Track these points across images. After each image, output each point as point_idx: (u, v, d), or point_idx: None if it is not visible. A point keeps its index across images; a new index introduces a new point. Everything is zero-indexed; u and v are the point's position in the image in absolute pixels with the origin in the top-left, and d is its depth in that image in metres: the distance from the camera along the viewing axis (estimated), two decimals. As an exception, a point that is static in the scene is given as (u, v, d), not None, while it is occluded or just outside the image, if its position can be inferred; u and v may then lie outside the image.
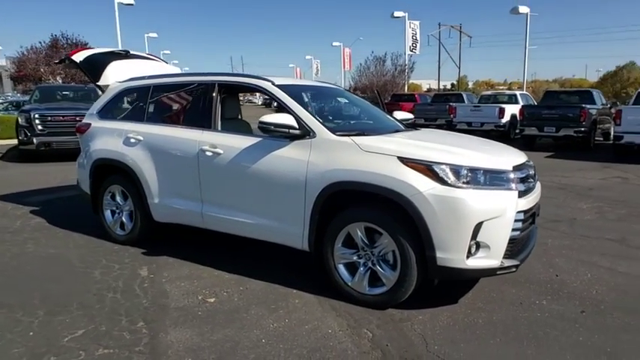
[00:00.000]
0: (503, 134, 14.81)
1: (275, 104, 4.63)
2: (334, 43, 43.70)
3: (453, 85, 51.73)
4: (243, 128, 4.51)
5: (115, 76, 4.99)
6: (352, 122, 4.72)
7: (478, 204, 2.87)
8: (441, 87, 46.02)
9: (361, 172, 3.10)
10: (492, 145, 3.72)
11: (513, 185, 3.02)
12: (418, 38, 30.06)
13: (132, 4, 23.63)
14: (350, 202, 3.26)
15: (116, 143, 4.49)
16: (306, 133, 3.40)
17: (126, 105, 4.92)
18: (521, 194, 3.06)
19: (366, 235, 3.18)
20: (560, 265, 3.98)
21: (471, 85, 68.19)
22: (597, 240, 4.73)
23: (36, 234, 4.99)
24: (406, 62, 30.19)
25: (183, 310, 3.21)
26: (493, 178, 2.99)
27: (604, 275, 3.76)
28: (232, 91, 4.46)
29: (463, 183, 2.91)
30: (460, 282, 3.50)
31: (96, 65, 5.04)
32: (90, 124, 4.88)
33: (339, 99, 4.58)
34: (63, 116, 10.25)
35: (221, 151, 3.75)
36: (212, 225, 3.98)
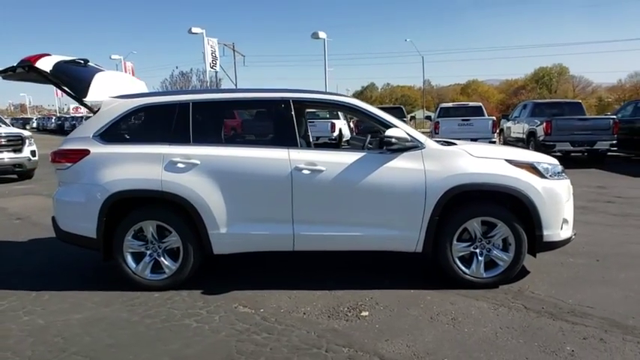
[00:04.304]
0: (336, 146, 16.75)
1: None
2: (113, 56, 39.98)
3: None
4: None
5: (105, 91, 4.15)
6: None
7: (563, 190, 3.85)
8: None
9: (482, 174, 3.70)
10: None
11: (565, 175, 4.12)
12: (217, 55, 30.41)
13: None
14: (463, 202, 3.80)
15: (152, 170, 3.80)
16: (416, 145, 3.78)
17: (137, 125, 4.15)
18: None
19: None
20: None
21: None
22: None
23: (13, 304, 3.70)
24: (207, 79, 30.20)
25: (358, 329, 3.18)
26: (559, 171, 4.01)
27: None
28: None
29: (550, 176, 3.84)
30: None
31: (77, 77, 4.08)
32: (87, 150, 3.92)
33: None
34: None
35: (323, 168, 3.73)
36: (305, 245, 3.87)
